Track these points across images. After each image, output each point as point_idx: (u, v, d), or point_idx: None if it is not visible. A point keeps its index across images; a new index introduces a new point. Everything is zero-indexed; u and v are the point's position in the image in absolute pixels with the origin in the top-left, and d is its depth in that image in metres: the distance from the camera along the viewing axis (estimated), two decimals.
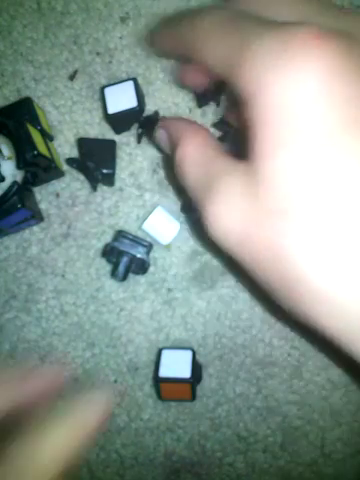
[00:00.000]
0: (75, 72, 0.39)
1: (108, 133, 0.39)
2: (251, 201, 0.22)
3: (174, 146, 0.26)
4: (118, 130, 0.38)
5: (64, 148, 0.39)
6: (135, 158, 0.38)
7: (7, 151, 0.35)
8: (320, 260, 0.20)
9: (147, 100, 0.38)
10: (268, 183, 0.21)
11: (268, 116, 0.20)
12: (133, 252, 0.35)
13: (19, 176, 0.35)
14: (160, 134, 0.29)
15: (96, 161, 0.36)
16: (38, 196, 0.38)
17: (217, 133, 0.37)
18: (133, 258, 0.36)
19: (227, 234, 0.23)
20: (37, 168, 0.35)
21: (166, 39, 0.27)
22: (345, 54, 0.20)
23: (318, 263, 0.20)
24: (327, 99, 0.20)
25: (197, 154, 0.25)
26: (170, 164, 0.29)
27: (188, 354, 0.36)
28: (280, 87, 0.20)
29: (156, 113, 0.38)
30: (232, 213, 0.22)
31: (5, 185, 0.34)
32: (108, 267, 0.38)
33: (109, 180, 0.38)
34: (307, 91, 0.20)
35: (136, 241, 0.36)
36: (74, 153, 0.38)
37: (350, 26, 0.23)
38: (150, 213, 0.37)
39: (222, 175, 0.23)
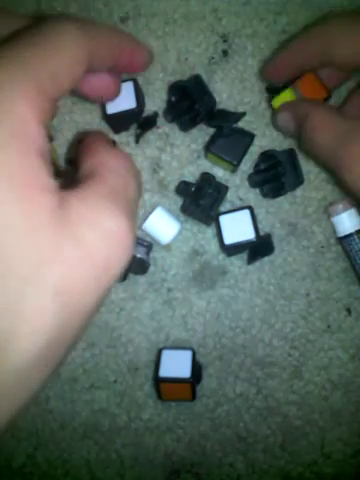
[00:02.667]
0: None
1: (108, 133, 0.39)
2: None
3: (303, 121, 0.32)
4: (117, 130, 0.38)
5: (64, 148, 0.39)
6: (135, 158, 0.38)
7: None
8: None
9: (147, 100, 0.38)
10: None
11: None
12: (133, 252, 0.35)
13: None
14: (284, 115, 0.34)
15: None
16: None
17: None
18: (133, 258, 0.36)
19: None
20: None
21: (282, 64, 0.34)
22: None
23: None
24: None
25: (326, 121, 0.30)
26: (299, 140, 0.33)
27: (188, 354, 0.36)
28: None
29: (155, 113, 0.38)
30: None
31: None
32: None
33: None
34: None
35: (136, 241, 0.36)
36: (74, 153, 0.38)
37: None
38: (150, 213, 0.37)
39: (353, 131, 0.28)
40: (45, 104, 0.20)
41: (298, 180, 0.36)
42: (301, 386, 0.37)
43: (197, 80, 0.36)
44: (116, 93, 0.31)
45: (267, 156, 0.37)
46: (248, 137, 0.36)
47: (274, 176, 0.36)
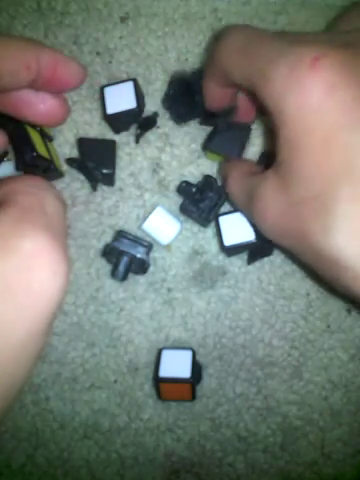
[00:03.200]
0: None
1: (108, 133, 0.39)
2: (282, 195, 0.26)
3: (224, 181, 0.34)
4: (117, 130, 0.38)
5: (64, 148, 0.39)
6: (135, 158, 0.38)
7: None
8: (337, 232, 0.24)
9: (147, 100, 0.38)
10: (291, 179, 0.25)
11: (287, 126, 0.25)
12: (133, 252, 0.35)
13: None
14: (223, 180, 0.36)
15: (96, 161, 0.36)
16: None
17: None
18: (133, 258, 0.36)
19: (272, 226, 0.28)
20: (36, 169, 0.35)
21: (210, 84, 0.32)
22: (345, 65, 0.24)
23: (338, 236, 0.24)
24: (330, 103, 0.23)
25: (238, 180, 0.32)
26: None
27: (188, 354, 0.36)
28: (293, 106, 0.24)
29: (155, 114, 0.38)
30: (270, 209, 0.27)
31: None
32: (108, 267, 0.38)
33: (109, 180, 0.38)
34: (313, 102, 0.24)
35: (136, 241, 0.36)
36: (74, 153, 0.38)
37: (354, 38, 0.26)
38: (150, 213, 0.37)
39: (257, 185, 0.28)
40: None
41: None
42: (301, 386, 0.37)
43: (199, 74, 0.36)
44: (63, 117, 0.31)
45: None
46: (245, 130, 0.36)
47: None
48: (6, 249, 0.18)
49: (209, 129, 0.38)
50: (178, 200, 0.38)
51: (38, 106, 0.29)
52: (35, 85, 0.27)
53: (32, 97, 0.29)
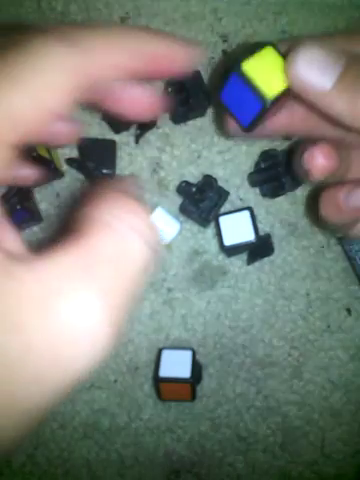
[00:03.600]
0: None
1: (108, 133, 0.39)
2: None
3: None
4: (117, 130, 0.38)
5: (64, 148, 0.39)
6: (135, 158, 0.38)
7: None
8: None
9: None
10: None
11: None
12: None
13: None
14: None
15: (96, 161, 0.36)
16: (38, 196, 0.38)
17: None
18: None
19: None
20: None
21: None
22: None
23: None
24: None
25: None
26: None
27: (188, 354, 0.36)
28: None
29: None
30: None
31: (4, 186, 0.34)
32: None
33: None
34: None
35: None
36: (74, 153, 0.38)
37: None
38: (150, 213, 0.37)
39: None
40: None
41: (298, 180, 0.36)
42: (301, 386, 0.37)
43: (196, 76, 0.36)
44: (155, 112, 0.24)
45: (268, 155, 0.37)
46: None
47: (274, 176, 0.36)
48: (39, 308, 0.15)
49: (209, 130, 0.38)
50: (178, 200, 0.38)
51: (128, 101, 0.23)
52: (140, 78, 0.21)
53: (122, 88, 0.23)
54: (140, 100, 0.23)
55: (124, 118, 0.24)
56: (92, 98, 0.22)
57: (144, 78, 0.22)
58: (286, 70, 0.23)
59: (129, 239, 0.16)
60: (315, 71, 0.22)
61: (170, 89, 0.37)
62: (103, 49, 0.18)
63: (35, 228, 0.38)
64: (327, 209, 0.27)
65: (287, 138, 0.37)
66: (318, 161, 0.25)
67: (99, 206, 0.17)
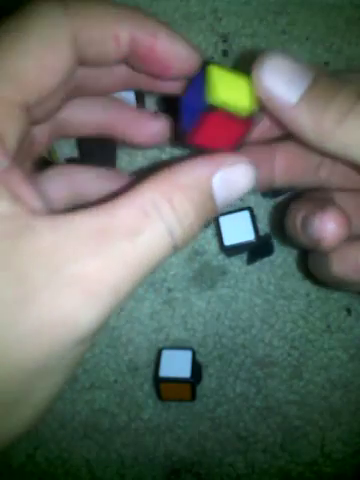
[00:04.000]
0: None
1: None
2: None
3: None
4: None
5: (64, 148, 0.39)
6: (135, 158, 0.38)
7: None
8: None
9: (147, 100, 0.38)
10: None
11: None
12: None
13: None
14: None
15: (96, 161, 0.36)
16: None
17: None
18: None
19: None
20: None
21: None
22: None
23: None
24: None
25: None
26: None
27: (188, 354, 0.36)
28: None
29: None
30: None
31: None
32: None
33: None
34: None
35: None
36: (74, 153, 0.38)
37: None
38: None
39: None
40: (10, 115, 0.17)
41: None
42: (301, 386, 0.37)
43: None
44: (163, 136, 0.25)
45: None
46: None
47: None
48: (56, 261, 0.16)
49: None
50: None
51: (135, 126, 0.24)
52: (129, 63, 0.21)
53: (129, 117, 0.24)
54: (151, 131, 0.24)
55: (135, 146, 0.24)
56: (106, 130, 0.23)
57: (140, 82, 0.23)
58: (253, 81, 0.20)
59: (151, 220, 0.17)
60: (281, 83, 0.20)
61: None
62: (102, 17, 0.19)
63: None
64: (342, 268, 0.24)
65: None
66: (332, 230, 0.22)
67: (140, 187, 0.18)
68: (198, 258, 0.38)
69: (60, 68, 0.18)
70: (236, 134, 0.20)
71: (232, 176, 0.19)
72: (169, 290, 0.38)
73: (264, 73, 0.20)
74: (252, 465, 0.37)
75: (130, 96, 0.35)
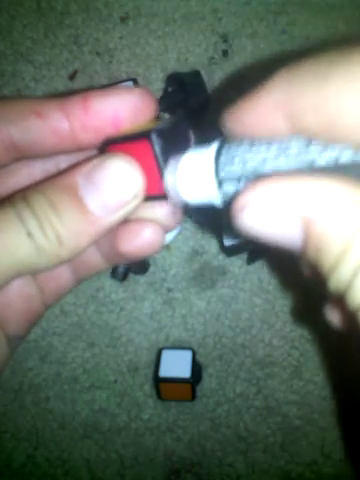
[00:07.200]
0: (75, 72, 0.39)
1: None
2: None
3: None
4: None
5: None
6: None
7: None
8: None
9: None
10: None
11: None
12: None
13: None
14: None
15: None
16: None
17: None
18: None
19: None
20: None
21: None
22: None
23: None
24: None
25: None
26: None
27: (188, 354, 0.36)
28: None
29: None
30: None
31: None
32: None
33: None
34: None
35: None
36: None
37: None
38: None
39: None
40: None
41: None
42: (301, 386, 0.37)
43: (195, 75, 0.36)
44: (160, 244, 0.20)
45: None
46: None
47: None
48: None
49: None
50: None
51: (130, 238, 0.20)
52: (74, 134, 0.19)
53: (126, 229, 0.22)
54: (146, 241, 0.20)
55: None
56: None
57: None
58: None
59: (8, 216, 0.17)
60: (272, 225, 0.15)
61: (170, 88, 0.37)
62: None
63: None
64: None
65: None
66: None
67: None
68: (198, 258, 0.38)
69: None
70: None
71: (98, 174, 0.17)
72: (169, 290, 0.38)
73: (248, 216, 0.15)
74: (252, 465, 0.37)
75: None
